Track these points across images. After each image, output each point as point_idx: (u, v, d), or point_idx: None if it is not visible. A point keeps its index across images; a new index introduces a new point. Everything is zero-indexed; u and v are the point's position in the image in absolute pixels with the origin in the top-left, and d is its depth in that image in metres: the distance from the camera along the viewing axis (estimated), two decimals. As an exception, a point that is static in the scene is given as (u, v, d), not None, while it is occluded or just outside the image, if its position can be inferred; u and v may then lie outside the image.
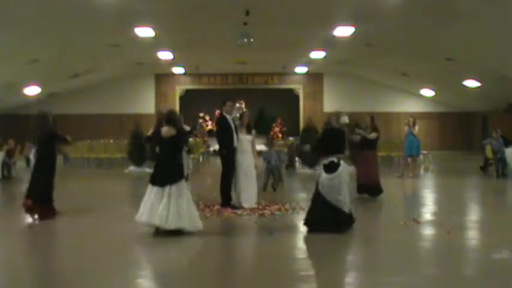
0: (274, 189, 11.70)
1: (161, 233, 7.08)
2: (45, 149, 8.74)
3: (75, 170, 18.76)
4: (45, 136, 8.65)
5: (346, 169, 7.38)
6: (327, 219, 7.17)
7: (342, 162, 7.36)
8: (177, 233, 7.03)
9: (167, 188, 7.06)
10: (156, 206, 6.99)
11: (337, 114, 7.72)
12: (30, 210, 8.44)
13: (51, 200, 8.73)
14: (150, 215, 7.01)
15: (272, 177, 11.92)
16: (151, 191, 7.16)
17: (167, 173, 7.17)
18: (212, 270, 5.86)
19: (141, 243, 7.02)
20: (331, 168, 7.29)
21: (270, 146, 12.95)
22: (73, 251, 6.57)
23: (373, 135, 10.86)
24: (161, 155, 7.42)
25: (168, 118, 7.41)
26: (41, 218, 8.42)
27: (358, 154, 11.01)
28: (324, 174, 7.31)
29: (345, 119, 7.68)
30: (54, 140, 8.85)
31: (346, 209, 7.27)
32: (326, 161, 7.36)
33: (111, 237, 7.25)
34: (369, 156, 10.75)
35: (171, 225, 6.97)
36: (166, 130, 7.33)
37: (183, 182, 7.23)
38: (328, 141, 7.57)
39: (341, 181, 7.25)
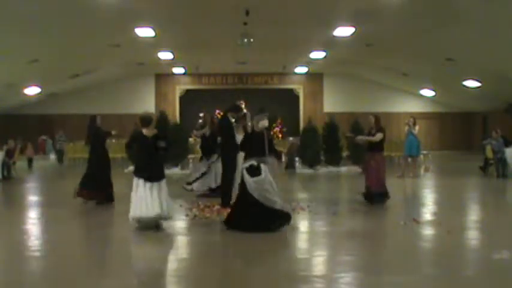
0: None
1: (156, 228, 7.55)
2: (97, 146, 9.59)
3: (75, 170, 18.75)
4: (93, 135, 9.36)
5: (269, 171, 7.49)
6: (256, 218, 7.28)
7: (262, 165, 7.45)
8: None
9: (161, 182, 7.71)
10: (149, 199, 7.52)
11: (258, 118, 7.83)
12: (88, 198, 9.82)
13: (108, 188, 10.05)
14: (147, 210, 7.49)
15: None
16: (145, 187, 7.58)
17: (160, 169, 7.82)
18: (211, 270, 5.85)
19: (137, 241, 7.03)
20: (252, 171, 7.42)
21: None
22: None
23: (378, 136, 10.07)
24: (147, 154, 7.81)
25: (146, 120, 7.89)
26: (98, 202, 9.82)
27: (367, 158, 10.24)
28: (247, 177, 7.43)
29: (264, 123, 7.81)
30: (101, 136, 9.45)
31: (278, 207, 7.39)
32: (246, 164, 7.52)
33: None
34: (378, 159, 10.03)
35: (167, 214, 7.69)
36: (147, 130, 7.84)
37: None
38: (248, 145, 7.76)
39: (267, 184, 7.39)
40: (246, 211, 7.37)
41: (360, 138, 10.74)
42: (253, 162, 7.47)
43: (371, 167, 10.01)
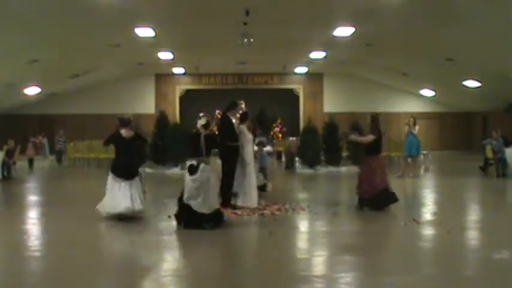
0: (263, 190, 11.68)
1: (129, 219, 8.07)
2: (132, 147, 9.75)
3: (75, 170, 18.77)
4: (132, 137, 9.34)
5: (206, 171, 7.67)
6: (192, 218, 7.57)
7: (202, 165, 7.64)
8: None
9: (133, 181, 8.33)
10: (120, 196, 8.20)
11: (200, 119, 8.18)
12: None
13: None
14: (116, 205, 8.16)
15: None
16: (120, 184, 8.25)
17: (133, 168, 8.47)
18: (211, 270, 5.86)
19: (137, 241, 7.03)
20: (191, 170, 7.68)
21: (261, 147, 12.73)
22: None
23: (368, 137, 9.43)
24: (123, 153, 8.50)
25: (124, 121, 8.60)
26: None
27: (362, 162, 9.76)
28: (187, 176, 7.71)
29: (201, 122, 8.05)
30: (139, 140, 9.40)
31: (206, 211, 7.55)
32: (187, 163, 7.80)
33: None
34: (372, 163, 9.25)
35: (138, 208, 8.25)
36: (126, 132, 8.50)
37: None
38: (189, 145, 8.07)
39: (201, 184, 7.58)
40: (184, 207, 7.67)
41: (353, 137, 10.47)
42: (193, 162, 7.70)
43: (364, 171, 9.35)
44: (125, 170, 8.32)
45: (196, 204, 7.52)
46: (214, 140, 8.28)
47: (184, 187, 7.73)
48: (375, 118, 9.54)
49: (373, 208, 8.99)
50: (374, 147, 9.36)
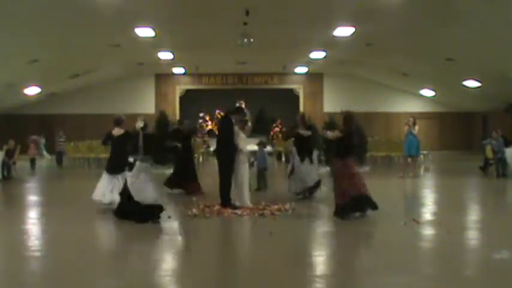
0: (259, 190, 11.69)
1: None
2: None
3: (75, 171, 18.77)
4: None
5: (141, 167, 8.24)
6: (135, 210, 8.02)
7: (137, 162, 8.28)
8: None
9: (119, 176, 9.12)
10: (106, 188, 9.29)
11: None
12: (179, 187, 11.35)
13: (197, 180, 11.48)
14: (103, 196, 9.29)
15: (257, 179, 11.90)
16: (107, 177, 9.37)
17: (120, 164, 8.97)
18: (211, 270, 5.86)
19: (137, 240, 7.04)
20: (130, 167, 8.37)
21: (262, 147, 12.73)
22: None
23: (333, 134, 8.82)
24: (112, 150, 9.64)
25: (116, 121, 9.63)
26: (188, 192, 11.09)
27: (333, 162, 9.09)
28: (128, 173, 8.39)
29: (139, 124, 8.65)
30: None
31: (151, 201, 8.09)
32: (131, 159, 8.46)
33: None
34: (340, 167, 8.46)
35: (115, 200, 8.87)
36: (117, 130, 9.55)
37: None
38: (131, 144, 8.84)
39: (137, 179, 8.17)
40: (127, 203, 8.21)
41: (329, 133, 9.26)
42: (131, 159, 8.42)
43: (336, 176, 8.58)
44: (112, 165, 9.41)
45: (139, 196, 8.06)
46: (151, 140, 8.70)
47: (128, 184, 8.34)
48: (346, 117, 8.71)
49: (344, 215, 8.22)
50: (341, 148, 8.54)
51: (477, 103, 24.35)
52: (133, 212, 8.01)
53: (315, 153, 10.98)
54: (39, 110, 26.14)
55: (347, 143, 8.54)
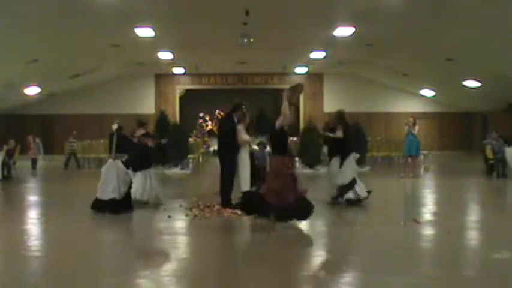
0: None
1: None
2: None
3: (75, 170, 18.75)
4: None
5: (113, 164, 9.20)
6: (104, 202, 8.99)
7: (110, 160, 9.33)
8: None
9: (147, 171, 9.94)
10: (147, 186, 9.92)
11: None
12: None
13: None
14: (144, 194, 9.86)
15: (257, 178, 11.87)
16: (139, 175, 9.89)
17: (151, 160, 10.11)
18: (211, 270, 5.86)
19: (137, 240, 7.03)
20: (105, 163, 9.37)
21: (262, 147, 12.68)
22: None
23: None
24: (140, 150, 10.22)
25: (140, 123, 10.57)
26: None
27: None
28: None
29: (114, 126, 9.54)
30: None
31: (116, 196, 8.98)
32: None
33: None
34: (275, 165, 7.96)
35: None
36: (139, 131, 10.28)
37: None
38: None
39: (108, 174, 9.14)
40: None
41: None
42: (106, 156, 9.47)
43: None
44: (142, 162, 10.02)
45: (109, 191, 8.96)
46: (124, 141, 9.54)
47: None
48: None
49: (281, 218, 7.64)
50: (278, 146, 8.18)
51: (477, 103, 24.33)
52: (107, 202, 8.96)
53: (352, 155, 10.14)
54: (39, 110, 26.12)
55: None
